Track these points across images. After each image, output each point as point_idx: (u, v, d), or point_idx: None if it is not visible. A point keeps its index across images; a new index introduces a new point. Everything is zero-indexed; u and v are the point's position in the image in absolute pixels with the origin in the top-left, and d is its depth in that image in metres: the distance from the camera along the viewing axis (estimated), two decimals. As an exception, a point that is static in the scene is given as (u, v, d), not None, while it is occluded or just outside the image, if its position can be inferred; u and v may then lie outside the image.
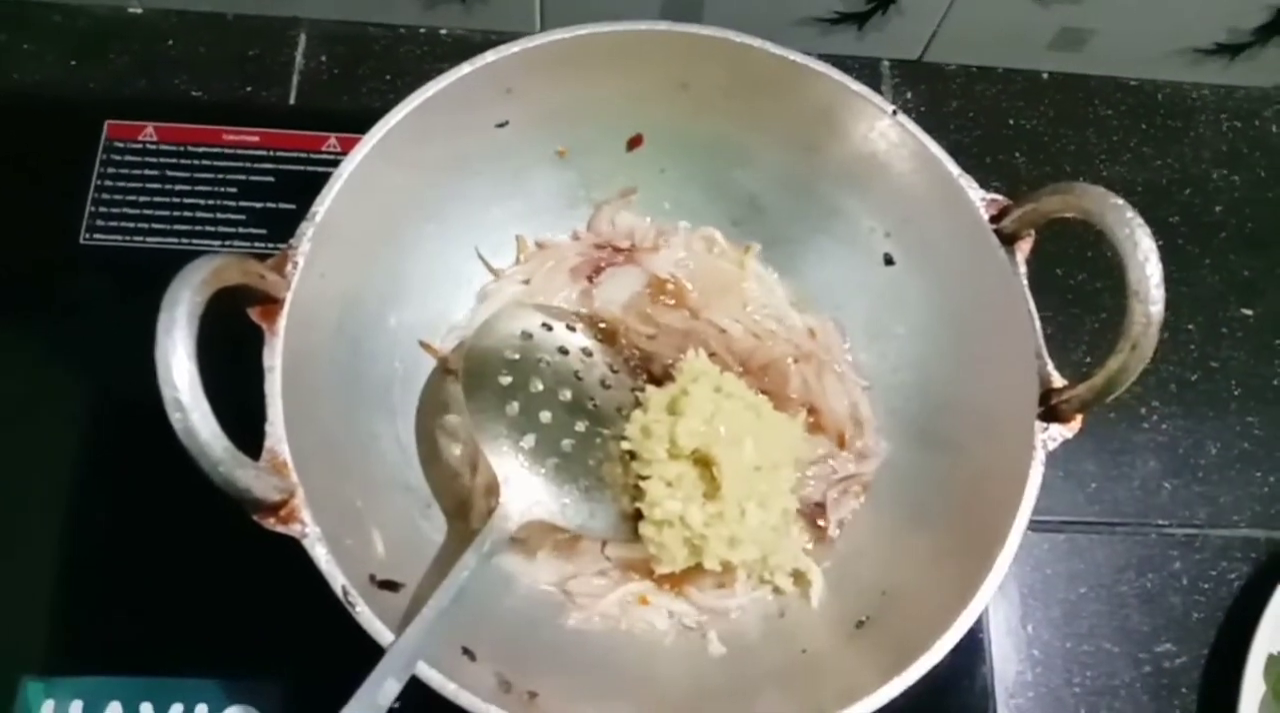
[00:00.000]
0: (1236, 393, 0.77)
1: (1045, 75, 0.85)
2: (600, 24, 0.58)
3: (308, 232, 0.52)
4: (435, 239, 0.63)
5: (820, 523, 0.62)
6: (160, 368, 0.41)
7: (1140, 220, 0.48)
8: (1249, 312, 0.79)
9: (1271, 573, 0.70)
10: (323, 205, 0.53)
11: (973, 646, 0.65)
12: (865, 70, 0.83)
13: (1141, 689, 0.69)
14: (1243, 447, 0.75)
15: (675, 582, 0.60)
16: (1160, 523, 0.73)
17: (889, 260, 0.64)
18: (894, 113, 0.58)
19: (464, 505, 0.60)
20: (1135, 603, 0.71)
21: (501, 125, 0.61)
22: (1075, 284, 0.78)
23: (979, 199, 0.57)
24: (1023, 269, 0.56)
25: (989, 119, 0.83)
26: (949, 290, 0.61)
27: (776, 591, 0.61)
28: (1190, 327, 0.78)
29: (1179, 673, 0.69)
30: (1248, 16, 0.79)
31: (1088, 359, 0.74)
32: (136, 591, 0.62)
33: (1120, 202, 0.49)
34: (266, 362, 0.50)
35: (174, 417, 0.41)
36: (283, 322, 0.50)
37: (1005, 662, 0.68)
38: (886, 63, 0.84)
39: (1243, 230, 0.82)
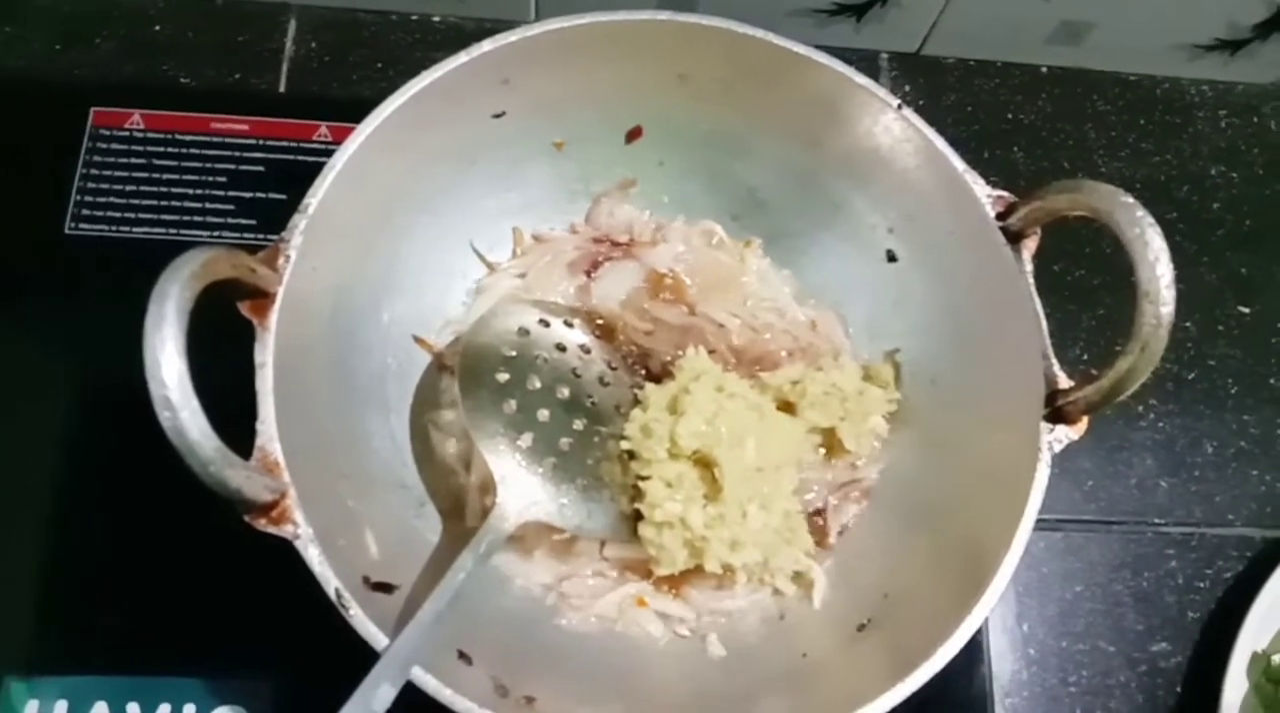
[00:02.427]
0: (1233, 391, 0.77)
1: (1044, 69, 0.85)
2: (599, 13, 0.57)
3: (300, 224, 0.51)
4: (429, 232, 0.62)
5: (820, 528, 0.62)
6: (149, 364, 0.40)
7: (1151, 219, 0.47)
8: (1246, 309, 0.79)
9: (1259, 570, 0.70)
10: (315, 197, 0.52)
11: (971, 646, 0.64)
12: (863, 63, 0.82)
13: (1136, 689, 0.69)
14: (1239, 445, 0.75)
15: (674, 583, 0.59)
16: (1156, 521, 0.73)
17: (891, 257, 0.63)
18: (899, 107, 0.58)
19: (459, 504, 0.59)
20: (1131, 602, 0.71)
21: (498, 116, 0.60)
22: (1073, 281, 0.78)
23: (985, 196, 0.56)
24: (1029, 267, 0.55)
25: (987, 113, 0.83)
26: (952, 288, 0.61)
27: (777, 592, 0.60)
28: (1188, 324, 0.77)
29: (1173, 673, 0.69)
30: (1248, 12, 0.78)
31: (1085, 357, 0.74)
32: (123, 589, 0.61)
33: (1130, 200, 0.48)
34: (258, 358, 0.49)
35: (163, 415, 0.40)
36: (274, 317, 0.49)
37: (1001, 660, 0.68)
38: (884, 55, 0.84)
39: (1241, 227, 0.81)
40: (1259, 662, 0.65)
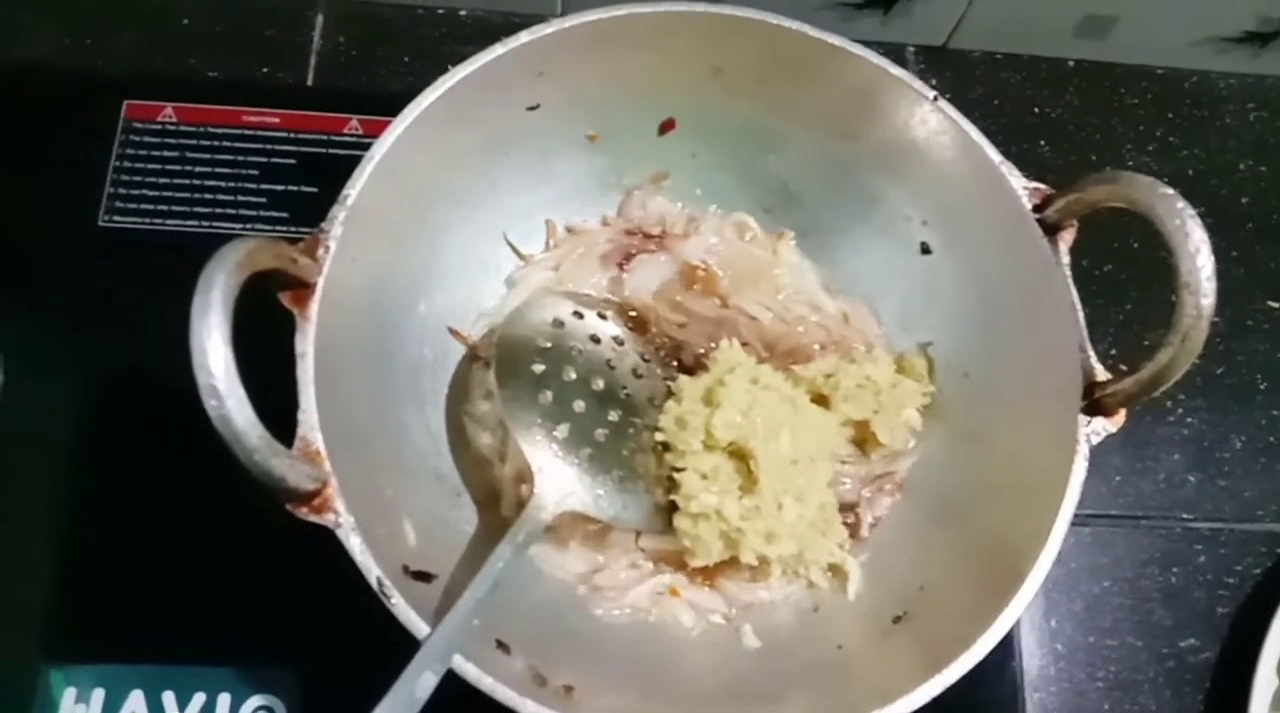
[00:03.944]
0: (1262, 387, 0.76)
1: (1071, 63, 0.85)
2: (634, 5, 0.57)
3: (339, 215, 0.51)
4: (464, 224, 0.62)
5: (854, 521, 0.62)
6: (195, 353, 0.40)
7: (1191, 211, 0.47)
8: (1275, 304, 0.79)
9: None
10: (354, 188, 0.52)
11: (1002, 641, 0.64)
12: (889, 56, 0.80)
13: (1164, 684, 0.68)
14: (1268, 441, 0.75)
15: (708, 575, 0.59)
16: (1184, 517, 0.72)
17: (926, 249, 0.63)
18: (934, 98, 0.58)
19: (494, 495, 0.59)
20: (1159, 597, 0.70)
21: (533, 108, 0.60)
22: (1101, 275, 0.77)
23: (1021, 188, 0.56)
24: (1065, 260, 0.55)
25: (1013, 107, 0.83)
26: (988, 281, 0.60)
27: (811, 584, 0.60)
28: (1216, 320, 0.75)
29: (1202, 668, 0.69)
30: (1277, 5, 0.78)
31: (1113, 351, 0.74)
32: (158, 579, 0.61)
33: (1171, 191, 0.48)
34: (298, 348, 0.48)
35: (209, 404, 0.40)
36: (315, 307, 0.49)
37: (1029, 656, 0.67)
38: (911, 49, 0.83)
39: (1269, 222, 0.81)
40: (1290, 657, 0.65)
